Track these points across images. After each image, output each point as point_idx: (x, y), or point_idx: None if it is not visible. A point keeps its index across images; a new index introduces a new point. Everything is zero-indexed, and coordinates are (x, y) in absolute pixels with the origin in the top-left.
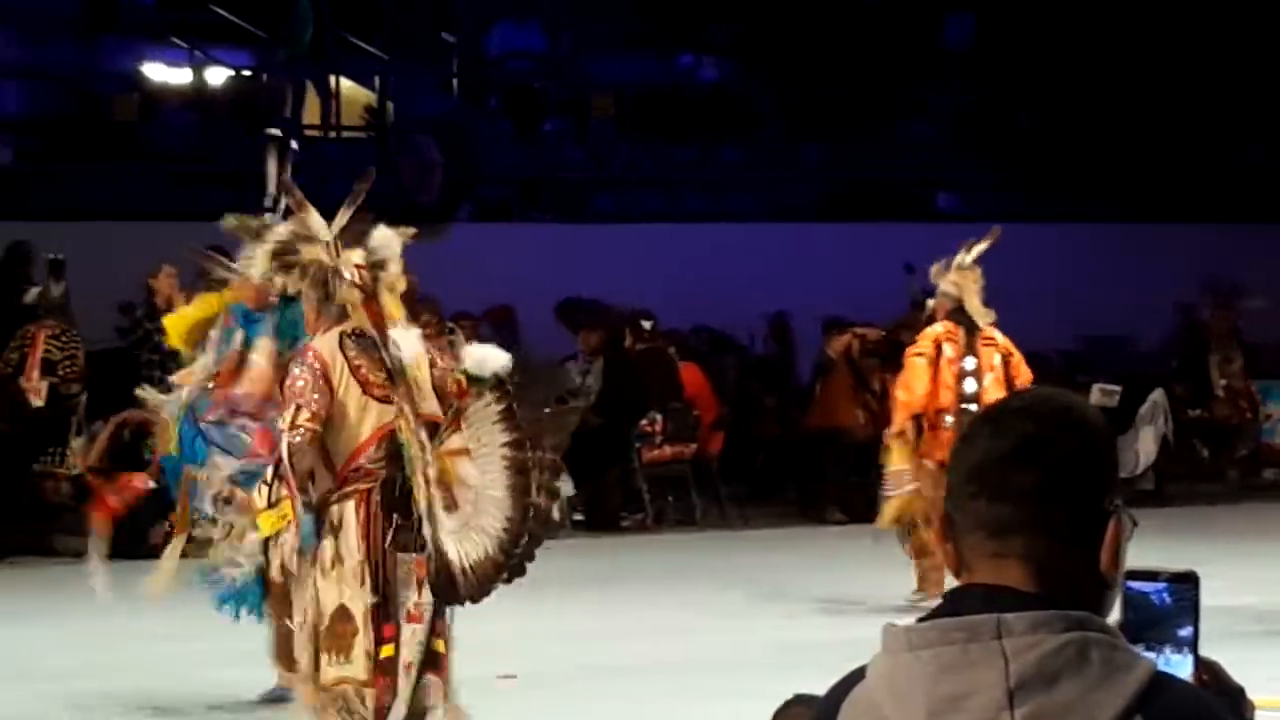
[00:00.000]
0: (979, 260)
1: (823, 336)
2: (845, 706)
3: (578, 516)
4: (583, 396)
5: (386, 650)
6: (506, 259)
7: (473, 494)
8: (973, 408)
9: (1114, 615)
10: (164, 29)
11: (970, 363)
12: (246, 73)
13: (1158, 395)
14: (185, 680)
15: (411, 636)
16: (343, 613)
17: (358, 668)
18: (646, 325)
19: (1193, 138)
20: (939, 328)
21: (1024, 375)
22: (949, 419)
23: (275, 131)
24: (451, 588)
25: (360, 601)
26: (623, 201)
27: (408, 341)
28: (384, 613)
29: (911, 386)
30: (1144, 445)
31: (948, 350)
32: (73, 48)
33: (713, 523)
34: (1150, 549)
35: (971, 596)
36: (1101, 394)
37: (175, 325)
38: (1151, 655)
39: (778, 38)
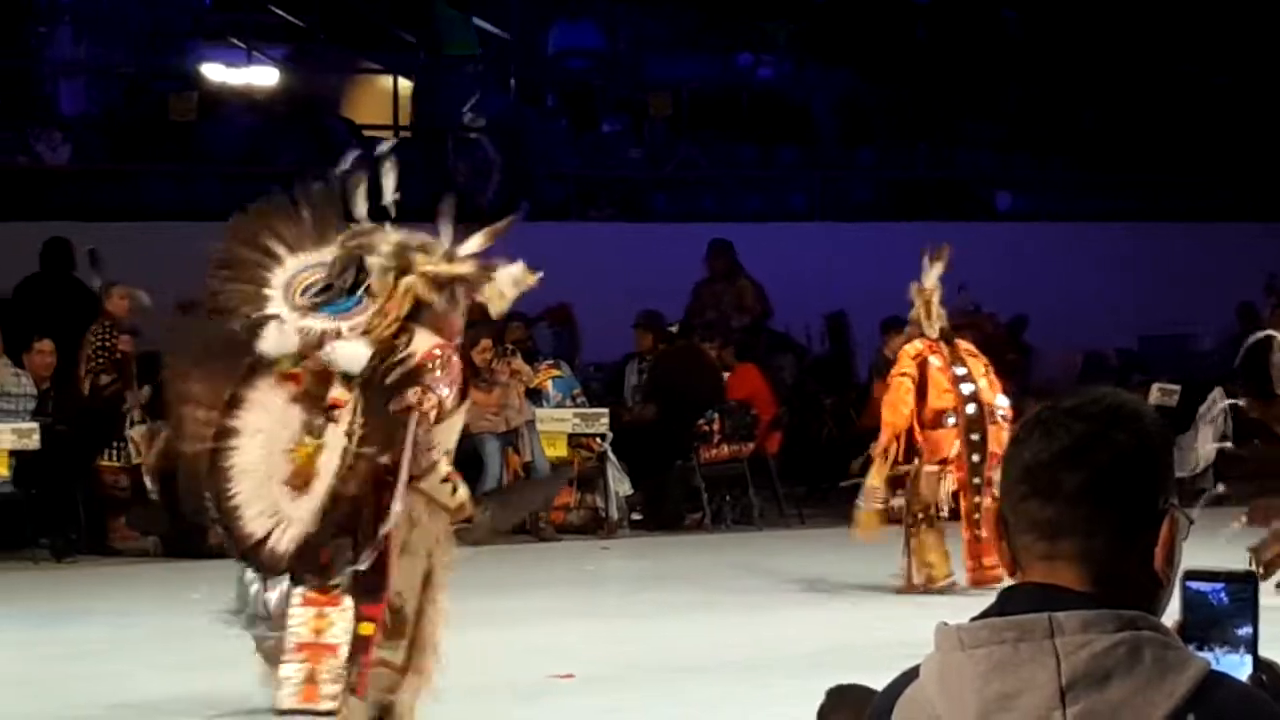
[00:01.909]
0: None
1: (881, 336)
2: (899, 705)
3: (636, 516)
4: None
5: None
6: (564, 258)
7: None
8: (972, 408)
9: (1173, 615)
10: (222, 29)
11: (960, 369)
12: (303, 73)
13: (1217, 394)
14: (251, 678)
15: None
16: None
17: None
18: (673, 327)
19: (1254, 137)
20: (918, 344)
21: (998, 387)
22: (951, 419)
23: (386, 147)
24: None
25: None
26: (680, 201)
27: (272, 338)
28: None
29: (897, 407)
30: (1203, 445)
31: (935, 361)
32: (131, 48)
33: (771, 521)
34: (1210, 549)
35: (1023, 595)
36: (1160, 393)
37: None
38: (1207, 655)
39: (835, 37)
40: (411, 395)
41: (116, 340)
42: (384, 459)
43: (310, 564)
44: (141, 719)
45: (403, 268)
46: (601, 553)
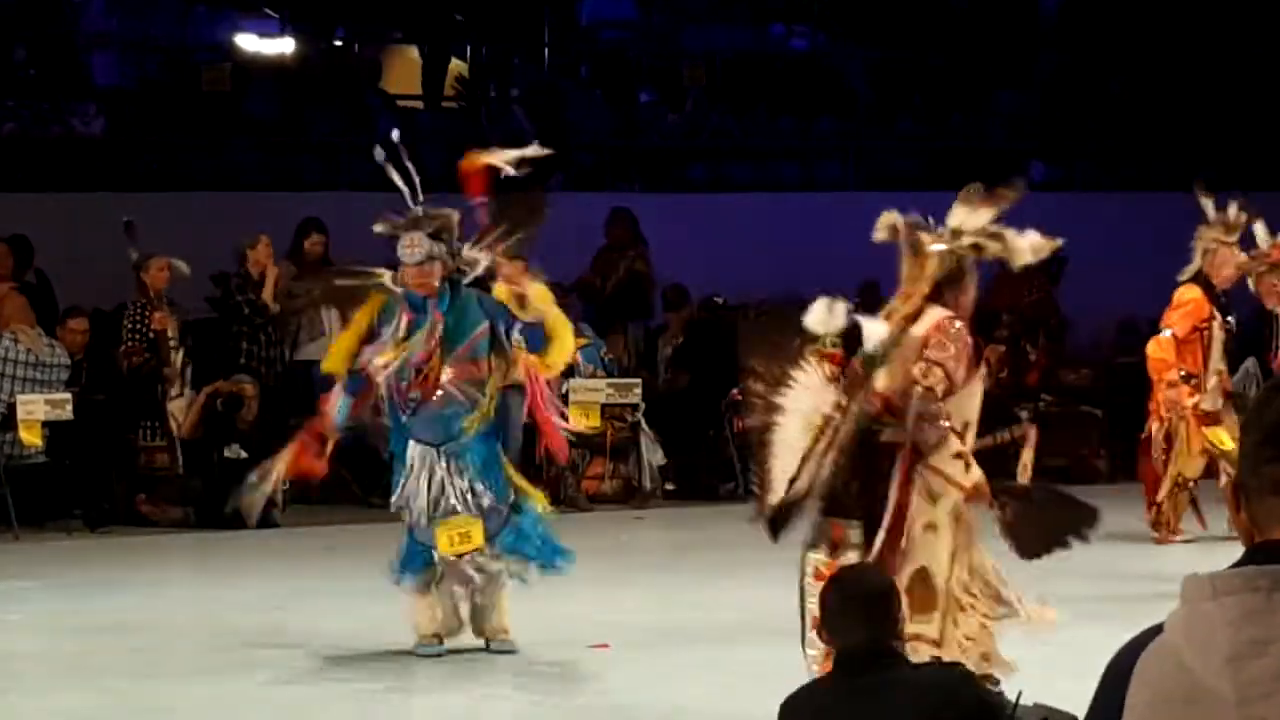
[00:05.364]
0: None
1: None
2: (1143, 659)
3: (669, 486)
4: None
5: None
6: (598, 229)
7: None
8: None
9: None
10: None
11: None
12: (338, 43)
13: (1250, 364)
14: (283, 649)
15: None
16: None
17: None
18: (719, 300)
19: None
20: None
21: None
22: None
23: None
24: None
25: None
26: (715, 171)
27: (818, 315)
28: None
29: None
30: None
31: None
32: (166, 18)
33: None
34: None
35: (1274, 550)
36: None
37: (335, 354)
38: None
39: (869, 6)
40: (916, 370)
41: (150, 318)
42: (891, 436)
43: (823, 536)
44: (174, 689)
45: (915, 250)
46: (635, 523)
